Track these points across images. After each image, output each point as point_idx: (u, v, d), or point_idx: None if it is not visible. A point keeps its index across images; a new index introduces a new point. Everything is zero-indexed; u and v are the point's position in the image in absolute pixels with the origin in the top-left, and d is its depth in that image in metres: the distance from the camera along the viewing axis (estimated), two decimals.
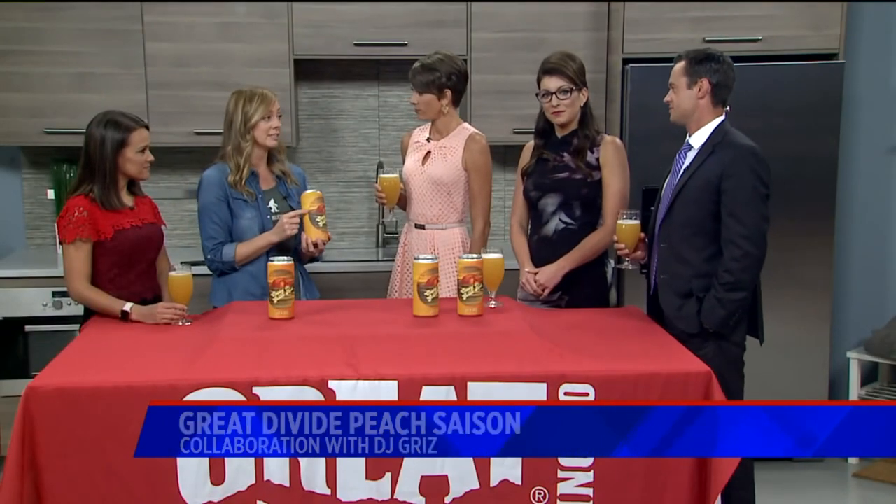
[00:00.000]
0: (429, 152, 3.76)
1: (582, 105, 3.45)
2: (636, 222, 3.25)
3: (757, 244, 3.03)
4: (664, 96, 4.17)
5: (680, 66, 3.17)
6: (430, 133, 3.81)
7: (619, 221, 3.25)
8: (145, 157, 3.28)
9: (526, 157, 3.60)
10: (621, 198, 3.45)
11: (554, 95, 3.42)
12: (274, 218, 3.52)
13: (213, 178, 3.49)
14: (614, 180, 3.43)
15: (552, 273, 3.44)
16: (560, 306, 3.48)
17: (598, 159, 3.45)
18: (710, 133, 3.14)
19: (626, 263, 3.33)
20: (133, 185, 3.37)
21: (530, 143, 3.62)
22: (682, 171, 3.18)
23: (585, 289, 3.48)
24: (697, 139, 3.17)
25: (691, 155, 3.17)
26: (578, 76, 3.42)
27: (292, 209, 3.56)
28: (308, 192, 3.43)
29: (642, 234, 3.28)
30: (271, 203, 3.55)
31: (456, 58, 3.73)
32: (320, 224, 3.42)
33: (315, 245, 3.46)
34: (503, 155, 4.84)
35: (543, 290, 3.45)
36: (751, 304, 3.14)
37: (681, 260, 3.14)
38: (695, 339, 3.08)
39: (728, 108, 3.19)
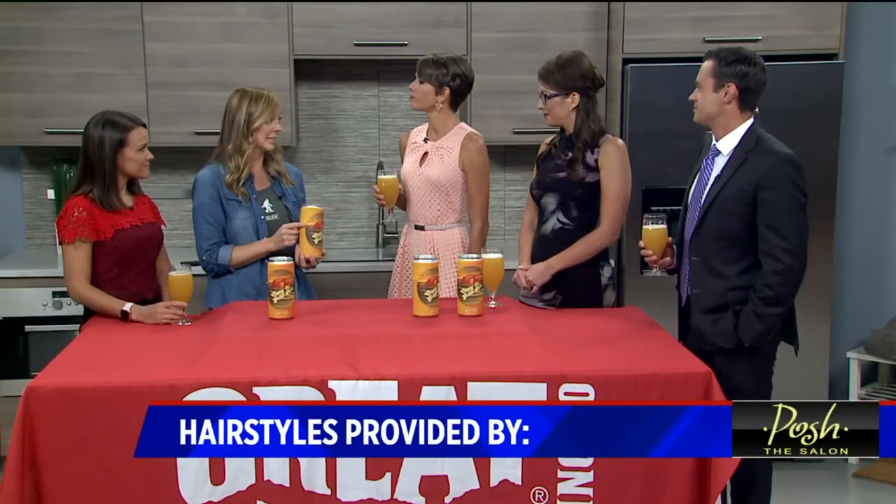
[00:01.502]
0: (426, 153, 3.76)
1: (572, 109, 3.43)
2: (663, 227, 3.11)
3: (798, 257, 2.91)
4: (665, 96, 4.16)
5: (708, 65, 3.01)
6: (427, 133, 3.81)
7: (645, 226, 3.13)
8: (144, 155, 3.29)
9: (543, 147, 3.61)
10: (618, 200, 3.41)
11: (540, 98, 3.46)
12: (268, 219, 3.52)
13: (207, 179, 3.48)
14: (612, 182, 3.42)
15: (540, 272, 3.44)
16: (554, 305, 3.48)
17: (597, 160, 3.44)
18: (741, 138, 3.00)
19: (654, 270, 3.20)
20: (132, 185, 3.37)
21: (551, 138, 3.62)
22: (712, 179, 3.04)
23: (579, 289, 3.47)
24: (726, 144, 3.03)
25: (721, 162, 3.04)
26: (561, 83, 3.39)
27: (287, 209, 3.56)
28: (308, 207, 3.41)
29: (669, 239, 3.15)
30: (265, 203, 3.54)
31: (467, 63, 3.78)
32: (315, 241, 3.40)
33: (308, 261, 3.44)
34: (503, 155, 4.84)
35: (532, 287, 3.45)
36: (787, 313, 3.05)
37: (714, 273, 3.03)
38: (729, 357, 3.01)
39: (758, 109, 3.05)
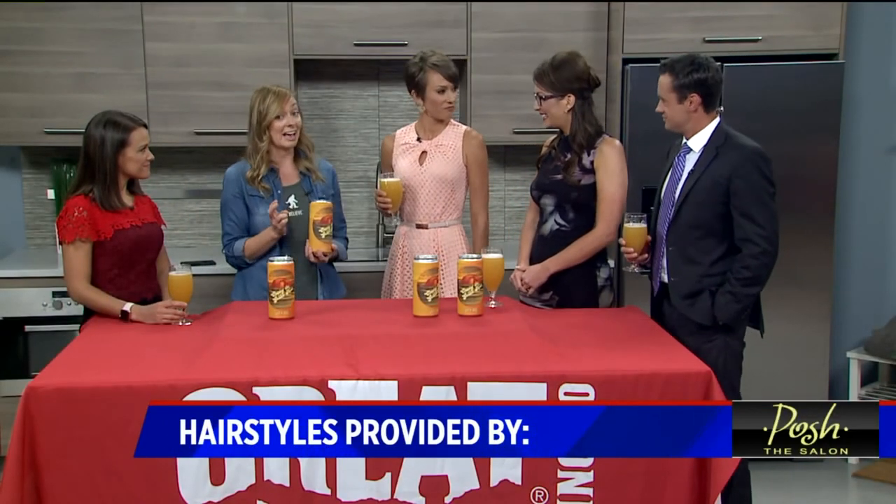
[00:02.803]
0: (424, 152, 3.76)
1: (568, 110, 3.43)
2: (643, 226, 3.24)
3: (773, 243, 3.07)
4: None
5: (666, 81, 3.15)
6: (418, 133, 3.80)
7: (626, 225, 3.23)
8: (146, 155, 3.29)
9: (544, 148, 3.61)
10: (613, 202, 3.40)
11: (535, 99, 3.46)
12: (291, 214, 3.55)
13: (232, 175, 3.57)
14: (607, 184, 3.41)
15: (536, 273, 3.45)
16: (551, 306, 3.49)
17: (593, 162, 3.44)
18: (710, 136, 3.16)
19: (632, 267, 3.30)
20: (132, 185, 3.37)
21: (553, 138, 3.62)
22: (685, 174, 3.18)
23: (575, 290, 3.47)
24: (696, 142, 3.18)
25: (693, 158, 3.18)
26: (556, 84, 3.39)
27: None
28: (317, 202, 3.43)
29: (648, 237, 3.27)
30: (290, 199, 3.57)
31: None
32: (322, 235, 3.42)
33: (314, 255, 3.47)
34: (503, 155, 4.84)
35: (528, 289, 3.45)
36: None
37: (690, 262, 3.16)
38: (705, 332, 3.13)
39: (722, 108, 3.19)
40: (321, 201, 3.42)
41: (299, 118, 3.55)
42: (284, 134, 3.50)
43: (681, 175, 3.20)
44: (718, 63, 4.17)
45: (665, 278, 3.23)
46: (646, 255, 3.29)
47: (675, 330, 3.18)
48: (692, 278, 3.15)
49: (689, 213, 3.14)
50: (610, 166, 3.41)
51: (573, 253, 3.43)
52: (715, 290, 3.12)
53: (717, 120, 3.18)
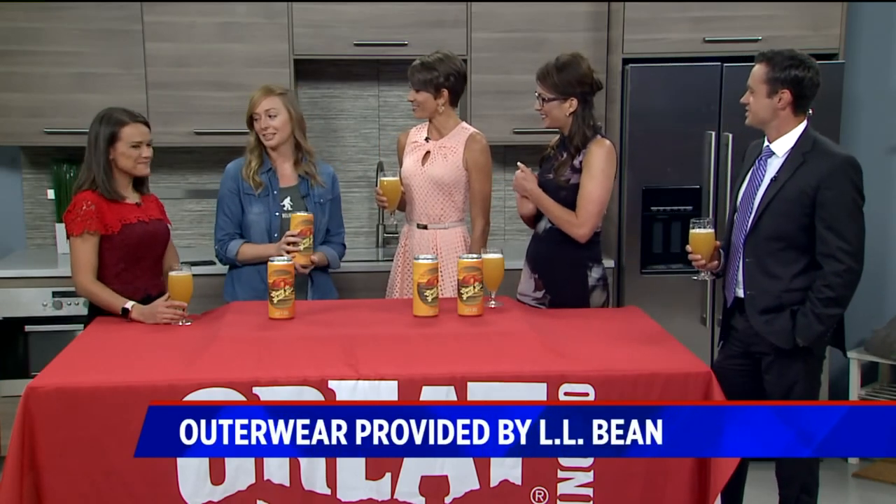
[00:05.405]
0: (428, 152, 3.76)
1: (569, 114, 3.42)
2: (710, 231, 3.05)
3: (858, 259, 2.90)
4: (665, 96, 4.12)
5: (761, 70, 2.96)
6: (428, 132, 3.80)
7: (692, 230, 3.07)
8: (139, 152, 3.28)
9: (549, 148, 3.62)
10: (589, 200, 3.39)
11: (537, 100, 3.46)
12: (285, 216, 3.55)
13: (230, 171, 3.62)
14: (587, 182, 3.40)
15: (528, 174, 3.47)
16: (544, 305, 3.49)
17: (581, 162, 3.44)
18: (797, 140, 2.97)
19: (702, 274, 3.17)
20: (140, 185, 3.39)
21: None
22: (767, 181, 3.00)
23: (567, 290, 3.48)
24: (780, 146, 2.99)
25: (776, 163, 3.00)
26: (559, 87, 3.39)
27: (307, 210, 3.58)
28: (297, 214, 3.44)
29: (717, 243, 3.10)
30: (286, 201, 3.59)
31: (456, 58, 3.73)
32: (300, 248, 3.42)
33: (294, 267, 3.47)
34: (503, 155, 4.84)
35: (522, 173, 3.48)
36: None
37: (769, 275, 2.99)
38: (782, 358, 2.99)
39: (812, 111, 3.01)
40: (301, 213, 3.43)
41: (277, 121, 3.54)
42: (262, 135, 3.55)
43: (761, 182, 3.01)
44: (718, 63, 4.22)
45: (740, 292, 3.07)
46: (716, 262, 3.11)
47: (750, 346, 3.06)
48: (772, 293, 2.98)
49: (771, 224, 2.96)
50: (592, 165, 3.40)
51: (554, 207, 3.43)
52: (796, 308, 2.94)
53: (804, 123, 2.98)
